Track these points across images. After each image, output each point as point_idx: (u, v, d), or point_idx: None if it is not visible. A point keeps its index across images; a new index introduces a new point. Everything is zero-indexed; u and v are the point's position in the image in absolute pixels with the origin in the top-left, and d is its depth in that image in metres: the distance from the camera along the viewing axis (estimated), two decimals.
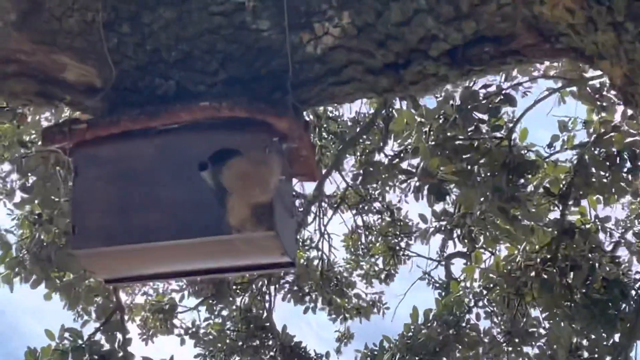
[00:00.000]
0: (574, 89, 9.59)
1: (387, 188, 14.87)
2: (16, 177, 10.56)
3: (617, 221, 12.52)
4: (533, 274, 9.54)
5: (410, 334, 10.25)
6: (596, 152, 9.40)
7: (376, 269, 16.13)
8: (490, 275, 10.01)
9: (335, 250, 15.43)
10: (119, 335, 9.69)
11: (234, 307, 13.81)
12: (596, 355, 9.50)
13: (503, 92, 9.13)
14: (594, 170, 9.40)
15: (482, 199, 8.67)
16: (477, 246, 10.65)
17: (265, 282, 13.92)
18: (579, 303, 9.32)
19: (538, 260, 9.66)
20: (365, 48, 3.57)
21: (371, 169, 13.45)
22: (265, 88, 3.66)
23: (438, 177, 8.40)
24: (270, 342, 13.69)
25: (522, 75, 9.66)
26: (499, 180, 8.57)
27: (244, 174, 3.34)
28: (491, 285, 10.10)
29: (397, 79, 3.66)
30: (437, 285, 14.24)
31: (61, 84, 3.83)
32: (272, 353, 13.60)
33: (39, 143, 9.46)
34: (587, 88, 9.23)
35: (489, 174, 8.76)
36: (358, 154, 14.42)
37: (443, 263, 14.48)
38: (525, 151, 9.58)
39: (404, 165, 10.24)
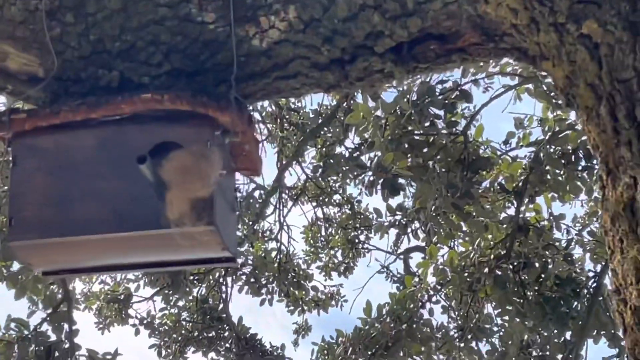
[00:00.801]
0: (530, 86, 9.62)
1: (348, 181, 14.88)
2: None
3: (575, 218, 12.62)
4: (486, 270, 9.56)
5: (364, 330, 10.25)
6: (552, 149, 9.43)
7: (335, 261, 16.13)
8: (445, 270, 10.02)
9: (294, 242, 15.44)
10: (66, 326, 9.61)
11: (190, 297, 13.76)
12: (547, 353, 9.55)
13: (459, 88, 9.14)
14: (549, 167, 9.43)
15: (436, 195, 8.68)
16: (433, 241, 10.67)
17: (222, 273, 13.88)
18: (532, 300, 9.35)
19: (492, 256, 9.69)
20: (311, 43, 3.55)
21: (332, 161, 13.46)
22: (210, 81, 3.63)
23: (392, 172, 8.39)
24: (226, 334, 13.66)
25: (478, 72, 9.66)
26: (453, 176, 8.59)
27: (184, 168, 3.30)
28: (445, 281, 10.11)
29: (343, 74, 3.64)
30: (396, 279, 14.25)
31: (3, 73, 3.77)
32: (227, 345, 13.57)
33: None
34: (543, 86, 9.25)
35: (443, 169, 8.77)
36: (319, 146, 14.41)
37: (402, 257, 14.50)
38: (481, 147, 9.60)
39: (364, 158, 10.25)
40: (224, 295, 14.02)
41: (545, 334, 9.53)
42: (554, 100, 9.22)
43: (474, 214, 9.19)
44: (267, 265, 14.17)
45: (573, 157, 9.34)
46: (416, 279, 10.65)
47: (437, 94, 8.78)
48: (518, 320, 9.65)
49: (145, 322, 13.78)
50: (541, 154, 9.38)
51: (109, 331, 13.83)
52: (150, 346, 13.77)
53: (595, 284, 9.62)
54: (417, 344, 10.11)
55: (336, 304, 15.91)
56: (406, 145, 8.59)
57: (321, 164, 13.99)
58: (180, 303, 13.83)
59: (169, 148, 3.36)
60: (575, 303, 9.38)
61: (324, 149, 14.15)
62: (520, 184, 9.68)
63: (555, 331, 9.46)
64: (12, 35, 3.68)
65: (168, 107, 3.44)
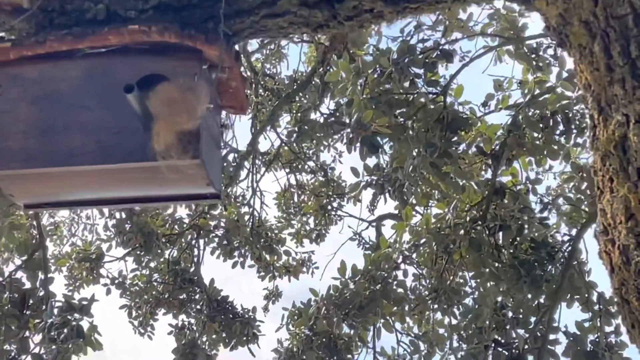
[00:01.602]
0: (511, 47, 9.60)
1: (322, 148, 14.89)
2: None
3: (548, 188, 12.65)
4: (462, 232, 9.56)
5: (338, 290, 10.25)
6: (530, 113, 9.42)
7: (307, 228, 16.11)
8: (420, 232, 10.01)
9: (266, 207, 15.41)
10: (41, 274, 9.56)
11: (162, 259, 13.71)
12: (521, 316, 9.57)
13: (440, 47, 9.11)
14: (527, 131, 9.42)
15: (414, 154, 8.66)
16: (408, 204, 10.65)
17: (195, 235, 13.84)
18: (506, 263, 9.36)
19: (468, 219, 9.69)
20: None
21: (306, 127, 13.44)
22: (197, 17, 3.59)
23: (371, 130, 8.35)
24: (197, 296, 13.62)
25: (460, 33, 9.64)
26: (432, 136, 8.56)
27: (171, 100, 3.26)
28: (420, 242, 10.11)
29: (332, 13, 3.60)
30: (368, 246, 14.24)
31: None
32: (198, 307, 13.54)
33: None
34: (524, 47, 9.24)
35: (422, 129, 8.74)
36: (294, 111, 14.38)
37: (374, 224, 14.50)
38: (460, 108, 9.57)
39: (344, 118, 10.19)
40: (195, 258, 13.98)
41: (519, 296, 9.54)
42: (534, 62, 9.22)
43: (452, 175, 9.16)
44: (240, 229, 14.13)
45: (551, 121, 9.33)
46: (391, 241, 10.64)
47: (418, 53, 8.75)
48: (492, 282, 9.67)
49: (116, 282, 13.71)
50: (519, 117, 9.37)
51: (79, 293, 13.77)
52: (121, 307, 13.72)
53: (570, 248, 9.63)
54: (391, 304, 10.11)
55: (307, 271, 15.88)
56: (385, 104, 8.55)
57: (296, 129, 13.95)
58: (152, 264, 13.77)
59: (156, 81, 3.31)
60: (550, 267, 9.39)
61: (299, 114, 14.10)
62: (498, 146, 9.67)
63: (529, 294, 9.48)
64: None
65: (155, 40, 3.41)
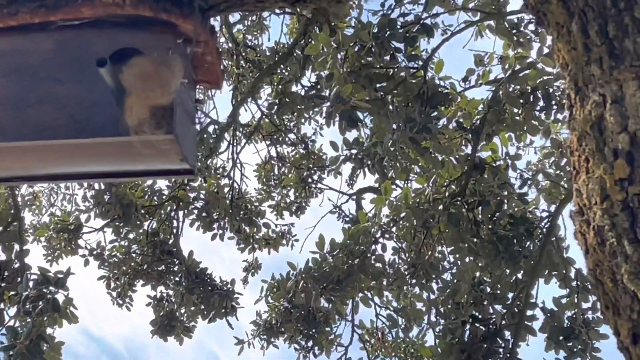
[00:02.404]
0: (492, 22, 9.58)
1: (303, 120, 14.88)
2: None
3: (528, 163, 12.66)
4: (441, 207, 9.55)
5: (316, 264, 10.23)
6: (510, 88, 9.41)
7: (287, 200, 16.11)
8: (399, 206, 9.99)
9: (247, 179, 15.39)
10: (16, 246, 9.51)
11: (141, 230, 13.67)
12: (498, 291, 9.59)
13: (421, 21, 9.06)
14: (507, 106, 9.41)
15: (394, 129, 8.63)
16: (387, 178, 10.64)
17: (174, 207, 13.80)
18: (485, 239, 9.38)
19: (447, 194, 9.69)
20: None
21: (287, 99, 13.41)
22: None
23: (351, 104, 8.32)
24: (176, 268, 13.60)
25: (441, 7, 9.60)
26: (412, 110, 8.54)
27: (145, 74, 3.21)
28: (399, 217, 10.09)
29: None
30: (347, 219, 14.25)
31: None
32: (177, 278, 13.52)
33: None
34: (505, 23, 9.22)
35: (402, 103, 8.71)
36: (275, 83, 14.35)
37: (354, 197, 14.51)
38: (440, 83, 9.54)
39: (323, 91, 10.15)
40: (174, 230, 13.95)
41: (497, 272, 9.56)
42: (515, 38, 9.20)
43: (431, 150, 9.14)
44: (220, 201, 14.10)
45: (532, 96, 9.33)
46: (370, 215, 10.62)
47: (399, 27, 8.70)
48: (471, 258, 9.68)
49: (94, 253, 13.67)
50: (500, 93, 9.35)
51: (57, 263, 13.72)
52: (99, 278, 13.69)
53: (548, 224, 9.65)
54: (369, 279, 10.11)
55: (287, 243, 15.88)
56: (365, 78, 8.51)
57: (277, 101, 13.93)
58: (131, 235, 13.73)
59: (130, 54, 3.27)
60: (528, 243, 9.41)
61: (280, 86, 14.07)
62: (478, 122, 9.66)
63: (507, 270, 9.49)
64: None
65: (129, 12, 3.36)
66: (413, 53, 8.92)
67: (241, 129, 15.27)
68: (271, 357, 12.60)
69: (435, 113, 8.80)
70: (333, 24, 10.91)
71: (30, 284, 8.60)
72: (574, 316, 9.36)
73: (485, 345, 8.99)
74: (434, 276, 10.26)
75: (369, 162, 9.68)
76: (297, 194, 15.97)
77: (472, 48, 10.40)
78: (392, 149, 8.65)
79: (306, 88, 13.25)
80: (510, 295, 9.55)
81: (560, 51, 3.14)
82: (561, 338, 9.26)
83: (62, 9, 3.37)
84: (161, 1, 3.36)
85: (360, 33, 8.53)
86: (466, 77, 10.07)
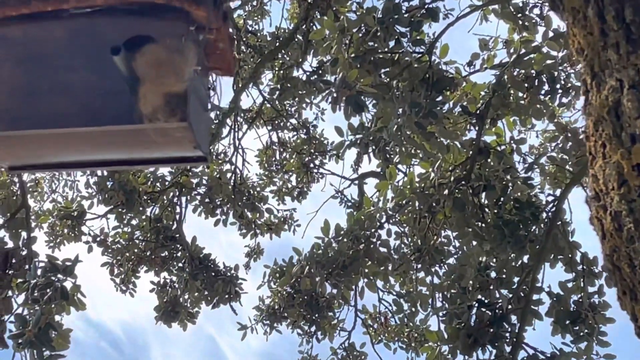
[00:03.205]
0: (497, 6, 9.54)
1: (304, 105, 14.87)
2: None
3: (531, 147, 12.64)
4: (446, 192, 9.53)
5: (321, 250, 10.21)
6: (515, 72, 9.38)
7: (289, 185, 16.11)
8: (404, 191, 9.98)
9: (248, 165, 15.39)
10: (24, 234, 9.50)
11: (144, 217, 13.67)
12: (504, 276, 9.57)
13: (426, 6, 9.03)
14: (512, 91, 9.39)
15: (399, 113, 8.61)
16: (391, 164, 10.63)
17: (177, 193, 13.80)
18: (490, 223, 9.36)
19: (452, 178, 9.66)
20: None
21: (289, 84, 13.40)
22: None
23: (356, 90, 8.30)
24: (179, 254, 13.61)
25: None
26: (417, 95, 8.51)
27: (158, 62, 3.20)
28: (404, 202, 10.07)
29: None
30: (350, 204, 14.25)
31: None
32: (180, 264, 13.53)
33: None
34: (510, 6, 9.19)
35: (407, 88, 8.69)
36: (276, 69, 14.34)
37: (356, 182, 14.50)
38: (445, 67, 9.51)
39: (328, 76, 10.12)
40: (177, 216, 13.96)
41: (503, 257, 9.54)
42: (520, 22, 9.17)
43: (436, 134, 9.12)
44: (222, 187, 14.10)
45: (536, 80, 9.30)
46: (374, 200, 10.62)
47: (403, 11, 8.68)
48: (476, 242, 9.66)
49: (98, 239, 13.67)
50: (505, 77, 9.33)
51: (60, 250, 13.71)
52: (103, 264, 13.69)
53: (554, 208, 9.63)
54: (374, 264, 10.10)
55: (289, 229, 15.89)
56: (370, 63, 8.49)
57: (278, 86, 13.92)
58: (134, 222, 13.73)
59: (143, 42, 3.25)
60: (534, 227, 9.39)
61: (281, 71, 14.06)
62: (483, 106, 9.63)
63: (513, 254, 9.48)
64: None
65: (142, 0, 3.34)
66: (418, 38, 8.89)
67: (243, 115, 15.26)
68: (271, 342, 12.66)
69: (441, 97, 8.78)
70: (334, 8, 10.89)
71: (39, 271, 8.59)
72: (580, 300, 9.34)
73: (491, 330, 8.98)
74: (439, 261, 10.25)
75: (374, 147, 9.66)
76: (298, 179, 15.96)
77: (476, 32, 10.35)
78: (397, 133, 8.63)
79: (308, 73, 13.24)
80: (516, 279, 9.54)
81: (576, 36, 3.12)
82: (567, 322, 9.25)
83: None
84: None
85: (365, 18, 8.51)
86: (471, 62, 10.03)
